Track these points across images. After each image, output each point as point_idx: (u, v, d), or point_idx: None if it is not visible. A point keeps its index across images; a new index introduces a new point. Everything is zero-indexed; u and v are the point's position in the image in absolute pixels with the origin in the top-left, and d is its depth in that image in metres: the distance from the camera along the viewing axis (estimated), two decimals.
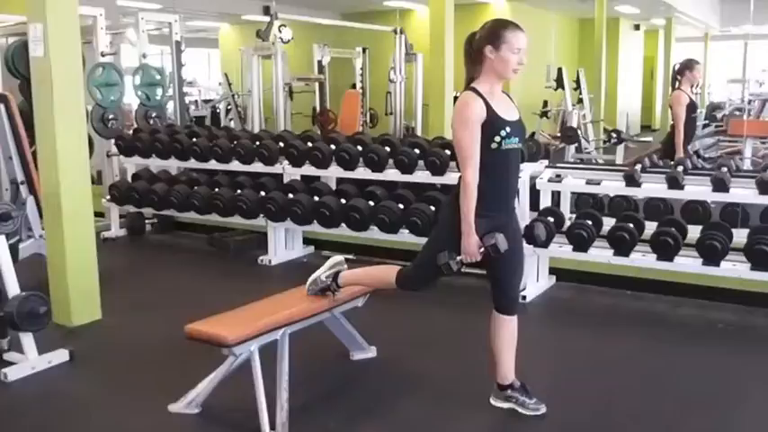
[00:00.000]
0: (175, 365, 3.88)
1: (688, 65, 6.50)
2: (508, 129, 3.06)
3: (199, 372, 3.44)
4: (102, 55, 7.12)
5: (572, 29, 17.19)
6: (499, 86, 3.14)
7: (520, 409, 3.31)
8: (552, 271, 5.31)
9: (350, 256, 6.02)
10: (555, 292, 5.22)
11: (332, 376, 3.82)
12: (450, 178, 5.09)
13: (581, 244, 4.83)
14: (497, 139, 3.03)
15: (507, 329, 3.28)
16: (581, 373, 3.85)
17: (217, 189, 6.30)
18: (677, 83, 6.47)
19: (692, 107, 6.42)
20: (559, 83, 12.34)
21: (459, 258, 3.08)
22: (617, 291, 5.17)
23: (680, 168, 5.02)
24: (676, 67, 6.60)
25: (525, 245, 4.92)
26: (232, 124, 12.59)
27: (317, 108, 12.05)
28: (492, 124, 3.02)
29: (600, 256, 4.84)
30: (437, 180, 5.38)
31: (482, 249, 3.05)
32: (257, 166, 6.25)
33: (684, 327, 4.58)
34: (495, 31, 3.05)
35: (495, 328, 3.29)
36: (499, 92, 3.14)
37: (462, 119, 3.02)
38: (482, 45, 3.06)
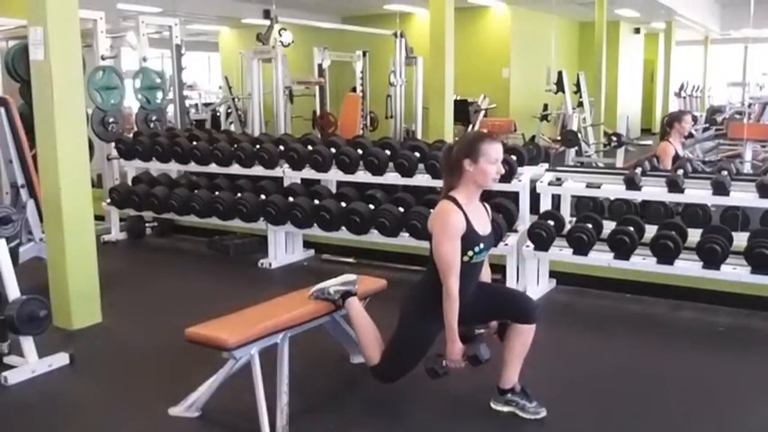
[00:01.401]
0: (176, 369, 3.87)
1: (677, 117, 6.60)
2: (482, 245, 3.22)
3: (199, 375, 3.44)
4: (103, 58, 7.13)
5: (572, 32, 17.20)
6: (477, 196, 3.26)
7: (520, 413, 3.31)
8: (552, 274, 5.31)
9: (350, 260, 6.05)
10: (555, 295, 5.22)
11: (332, 379, 3.82)
12: None
13: (581, 247, 4.84)
14: (470, 253, 3.18)
15: (521, 338, 3.27)
16: (581, 376, 3.85)
17: (217, 192, 6.30)
18: (666, 134, 6.51)
19: (677, 159, 6.48)
20: (560, 86, 12.34)
21: (444, 363, 3.22)
22: (617, 294, 5.16)
23: (680, 172, 5.02)
24: (666, 119, 6.66)
25: (525, 246, 4.96)
26: (232, 127, 12.58)
27: (318, 111, 12.06)
28: (468, 239, 3.16)
29: (600, 259, 4.84)
30: (437, 183, 5.38)
31: (465, 357, 3.19)
32: (257, 170, 6.25)
33: (685, 330, 4.58)
34: (473, 145, 3.16)
35: (510, 336, 3.29)
36: (477, 202, 3.27)
37: (445, 231, 3.13)
38: (460, 158, 3.17)
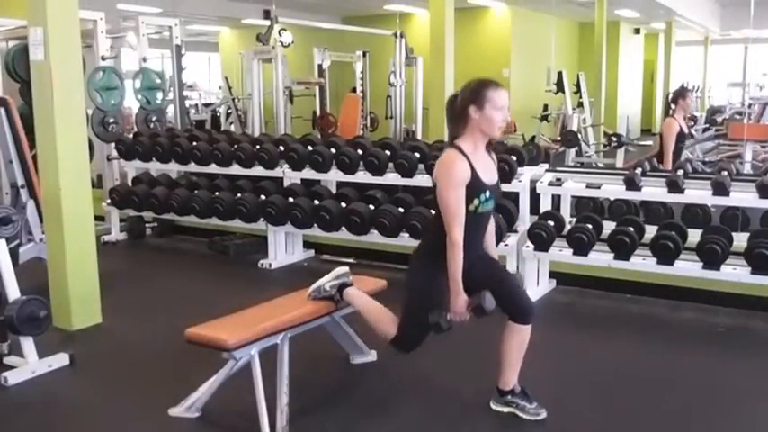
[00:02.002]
0: (176, 369, 3.87)
1: (682, 93, 6.61)
2: (487, 193, 3.15)
3: (199, 375, 3.44)
4: (103, 59, 7.13)
5: (572, 33, 17.20)
6: (483, 144, 3.19)
7: (520, 414, 3.31)
8: (552, 275, 5.31)
9: (350, 260, 6.04)
10: (555, 295, 5.22)
11: (332, 380, 3.82)
12: None
13: (581, 248, 4.84)
14: (476, 202, 3.12)
15: (518, 338, 3.26)
16: (581, 376, 3.84)
17: (217, 193, 6.30)
18: (671, 110, 6.52)
19: (681, 136, 6.48)
20: (560, 86, 12.35)
21: (449, 317, 3.14)
22: (617, 294, 5.16)
23: (680, 172, 5.02)
24: (671, 96, 6.66)
25: (525, 248, 4.96)
26: (232, 128, 12.59)
27: (318, 112, 12.06)
28: (473, 187, 3.09)
29: (600, 259, 4.84)
30: (433, 186, 5.37)
31: (470, 309, 3.12)
32: (257, 170, 6.25)
33: (684, 330, 4.58)
34: (478, 91, 3.10)
35: (506, 336, 3.28)
36: (482, 150, 3.20)
37: (449, 179, 3.08)
38: (466, 105, 3.11)
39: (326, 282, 3.56)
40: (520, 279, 3.39)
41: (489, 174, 3.19)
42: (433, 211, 4.41)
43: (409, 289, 3.33)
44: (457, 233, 3.06)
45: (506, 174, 4.98)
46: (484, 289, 3.15)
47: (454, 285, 3.09)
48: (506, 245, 5.00)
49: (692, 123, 9.73)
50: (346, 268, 3.63)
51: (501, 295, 3.22)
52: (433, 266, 3.16)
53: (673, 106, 6.55)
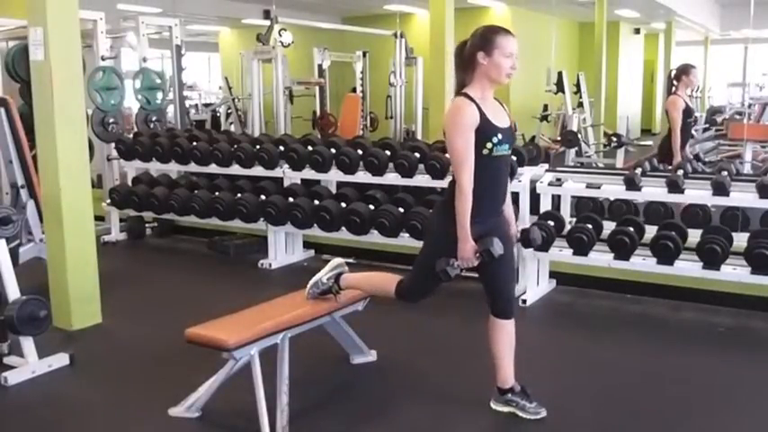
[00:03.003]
0: (176, 369, 3.87)
1: (684, 69, 6.51)
2: (500, 135, 3.08)
3: (199, 376, 3.44)
4: (103, 59, 7.13)
5: (572, 33, 17.20)
6: (491, 92, 3.15)
7: (520, 413, 3.31)
8: (552, 275, 5.31)
9: (350, 260, 6.03)
10: (555, 295, 5.22)
11: (332, 380, 3.82)
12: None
13: (581, 248, 4.84)
14: (489, 145, 3.05)
15: (505, 333, 3.28)
16: (581, 376, 3.85)
17: (217, 193, 6.30)
18: (674, 87, 6.47)
19: (687, 112, 6.43)
20: (559, 87, 12.35)
21: (456, 263, 3.08)
22: (617, 294, 5.16)
23: (680, 172, 5.02)
24: (673, 73, 6.62)
25: (525, 248, 4.96)
26: (232, 128, 12.59)
27: (318, 112, 12.06)
28: (484, 130, 3.04)
29: (600, 259, 4.84)
30: (437, 184, 5.39)
31: (477, 254, 3.06)
32: (257, 170, 6.25)
33: (684, 330, 4.58)
34: (487, 37, 3.06)
35: (493, 333, 3.30)
36: (491, 98, 3.15)
37: (456, 124, 3.04)
38: (474, 51, 3.07)
39: (323, 275, 3.56)
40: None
41: (500, 118, 3.13)
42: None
43: (426, 242, 3.33)
44: (465, 178, 3.01)
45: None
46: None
47: (461, 231, 3.03)
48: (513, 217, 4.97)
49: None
50: (340, 260, 3.63)
51: (491, 284, 3.25)
52: (447, 218, 3.10)
53: (675, 83, 6.45)
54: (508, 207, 3.35)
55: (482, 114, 3.04)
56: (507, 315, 3.27)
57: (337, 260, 3.61)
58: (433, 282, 3.24)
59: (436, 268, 3.10)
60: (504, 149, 3.12)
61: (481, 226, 3.08)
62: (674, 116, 6.27)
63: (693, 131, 9.56)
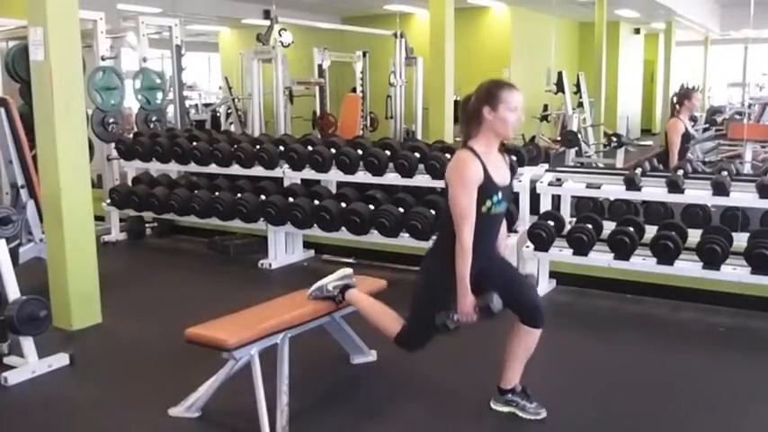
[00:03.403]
0: (176, 369, 3.87)
1: (686, 94, 6.62)
2: (500, 194, 3.13)
3: (199, 375, 3.44)
4: (103, 59, 7.13)
5: (572, 33, 17.20)
6: (496, 146, 3.18)
7: (520, 413, 3.31)
8: (552, 275, 5.31)
9: (350, 260, 6.04)
10: (555, 295, 5.22)
11: (332, 380, 3.82)
12: None
13: (581, 248, 4.84)
14: (488, 203, 3.10)
15: (527, 340, 3.26)
16: (581, 376, 3.85)
17: (217, 193, 6.30)
18: (676, 111, 6.54)
19: (686, 136, 6.50)
20: (560, 86, 12.35)
21: (455, 318, 3.12)
22: (617, 294, 5.16)
23: (680, 172, 5.02)
24: (675, 99, 6.69)
25: (525, 247, 4.96)
26: (232, 128, 12.59)
27: (318, 112, 12.06)
28: (486, 189, 3.08)
29: (600, 259, 4.84)
30: (437, 184, 5.38)
31: (477, 309, 3.10)
32: (257, 170, 6.25)
33: (684, 330, 4.58)
34: (492, 92, 3.09)
35: (513, 336, 3.28)
36: (495, 151, 3.19)
37: (461, 179, 3.06)
38: (479, 106, 3.10)
39: (329, 282, 3.55)
40: (533, 281, 3.35)
41: (502, 175, 3.17)
42: (433, 211, 4.43)
43: (419, 289, 3.32)
44: (466, 235, 3.04)
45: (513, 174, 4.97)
46: (497, 290, 3.13)
47: (461, 286, 3.07)
48: (506, 245, 4.99)
49: (693, 123, 9.71)
50: (350, 270, 3.63)
51: (513, 297, 3.23)
52: (443, 267, 3.14)
53: (678, 107, 6.55)
54: (501, 234, 3.39)
55: (485, 171, 3.07)
56: (533, 323, 3.24)
57: (345, 270, 3.61)
58: (432, 332, 3.27)
59: (436, 322, 3.14)
60: (502, 207, 3.18)
61: (473, 275, 3.10)
62: (674, 140, 6.34)
63: (693, 131, 9.59)
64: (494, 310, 3.09)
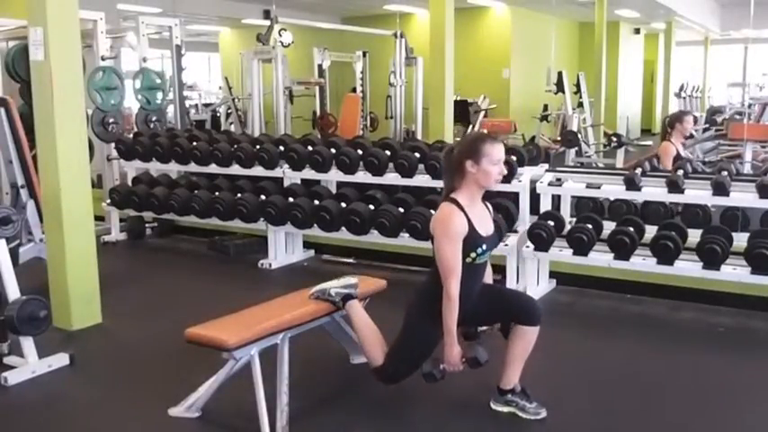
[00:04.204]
0: (176, 369, 3.87)
1: (678, 117, 6.62)
2: (484, 246, 3.21)
3: (199, 376, 3.44)
4: (103, 59, 7.13)
5: (572, 33, 17.20)
6: (479, 197, 3.24)
7: (520, 414, 3.31)
8: (552, 275, 5.31)
9: (350, 260, 6.05)
10: (555, 295, 5.22)
11: (332, 380, 3.82)
12: None
13: (581, 248, 4.84)
14: (473, 255, 3.17)
15: (526, 339, 3.27)
16: (581, 376, 3.85)
17: (217, 193, 6.30)
18: (667, 134, 6.53)
19: (678, 159, 6.49)
20: (559, 86, 12.35)
21: (442, 367, 3.20)
22: (617, 294, 5.16)
23: (680, 172, 5.02)
24: (667, 120, 6.68)
25: (525, 247, 4.96)
26: (232, 128, 12.59)
27: (318, 112, 12.07)
28: (470, 241, 3.14)
29: (600, 259, 4.84)
30: (437, 184, 5.38)
31: (463, 359, 3.18)
32: (257, 170, 6.25)
33: (684, 330, 4.58)
34: (475, 146, 3.15)
35: (512, 335, 3.30)
36: (479, 202, 3.26)
37: (446, 233, 3.12)
38: (462, 159, 3.15)
39: (333, 287, 3.56)
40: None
41: (486, 226, 3.25)
42: (433, 211, 4.44)
43: (405, 331, 3.36)
44: (453, 287, 3.10)
45: (506, 174, 4.96)
46: (487, 318, 3.25)
47: (448, 337, 3.14)
48: (506, 245, 5.00)
49: (692, 132, 9.66)
50: (356, 280, 3.64)
51: (503, 308, 3.31)
52: (429, 315, 3.20)
53: (669, 129, 6.55)
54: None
55: (470, 224, 3.14)
56: (530, 321, 3.26)
57: (351, 279, 3.63)
58: (412, 371, 3.35)
59: (423, 370, 3.24)
60: (486, 257, 3.26)
61: (460, 315, 3.15)
62: (666, 163, 6.34)
63: (693, 131, 9.58)
64: (480, 361, 3.17)
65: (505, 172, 3.25)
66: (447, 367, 3.19)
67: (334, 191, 6.09)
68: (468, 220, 3.14)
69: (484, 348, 3.18)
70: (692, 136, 9.54)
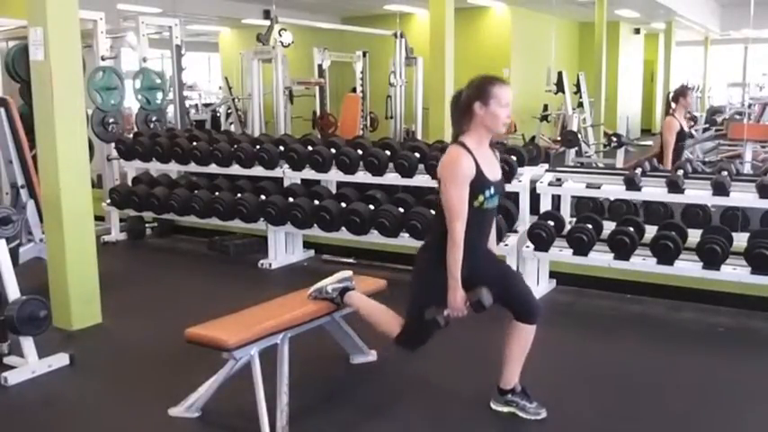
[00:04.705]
0: (176, 369, 3.87)
1: (682, 92, 6.62)
2: (492, 189, 3.15)
3: (199, 375, 3.44)
4: (103, 59, 7.13)
5: (572, 33, 17.20)
6: (487, 141, 3.20)
7: (520, 414, 3.31)
8: (552, 275, 5.31)
9: (350, 260, 6.04)
10: (555, 295, 5.22)
11: (332, 380, 3.82)
12: None
13: (581, 248, 4.84)
14: (481, 198, 3.12)
15: (523, 337, 3.27)
16: (581, 376, 3.85)
17: (217, 193, 6.30)
18: (671, 109, 6.53)
19: (681, 135, 6.50)
20: (560, 86, 12.35)
21: (446, 313, 3.14)
22: (617, 294, 5.16)
23: (680, 172, 5.02)
24: (671, 94, 6.68)
25: (525, 247, 4.96)
26: (232, 128, 12.59)
27: (318, 112, 12.07)
28: (478, 183, 3.10)
29: (600, 259, 4.84)
30: (437, 184, 5.37)
31: (468, 303, 3.11)
32: (257, 170, 6.25)
33: (684, 330, 4.58)
34: (483, 88, 3.11)
35: (509, 334, 3.29)
36: (486, 147, 3.21)
37: (453, 175, 3.08)
38: (471, 101, 3.12)
39: (329, 284, 3.55)
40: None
41: (493, 170, 3.19)
42: (433, 211, 4.43)
43: (412, 287, 3.33)
44: (458, 231, 3.06)
45: (506, 174, 4.97)
46: (489, 285, 3.14)
47: (452, 282, 3.09)
48: (506, 245, 5.00)
49: (693, 123, 9.73)
50: (349, 273, 3.63)
51: (506, 291, 3.24)
52: (435, 264, 3.15)
53: (673, 105, 6.56)
54: (492, 235, 3.40)
55: (477, 166, 3.09)
56: (528, 320, 3.26)
57: (344, 273, 3.61)
58: (427, 330, 3.28)
59: (426, 317, 3.16)
60: (494, 202, 3.20)
61: (466, 270, 3.11)
62: (668, 139, 6.34)
63: (693, 131, 9.58)
64: (485, 305, 3.09)
65: (511, 117, 3.18)
66: (451, 313, 3.12)
67: (334, 191, 6.09)
68: (476, 163, 3.09)
69: (488, 292, 3.10)
70: (691, 135, 9.54)
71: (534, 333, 3.28)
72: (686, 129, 6.52)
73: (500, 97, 3.09)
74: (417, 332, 3.32)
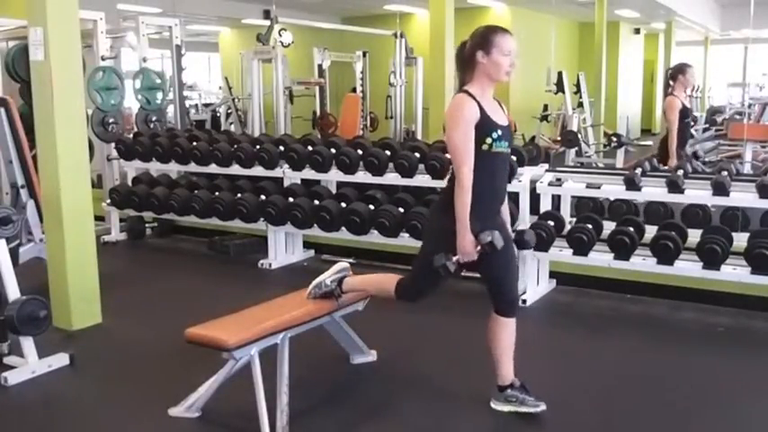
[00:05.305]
0: (176, 369, 3.87)
1: (681, 69, 6.50)
2: (499, 131, 3.14)
3: (199, 376, 3.44)
4: (103, 59, 7.13)
5: (572, 33, 17.20)
6: (490, 90, 3.21)
7: (521, 408, 3.31)
8: (552, 275, 5.31)
9: (350, 260, 6.04)
10: (555, 295, 5.22)
11: (332, 380, 3.82)
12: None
13: (581, 248, 4.84)
14: (489, 140, 3.11)
15: (506, 332, 3.30)
16: (581, 376, 3.85)
17: (217, 193, 6.30)
18: (670, 88, 6.46)
19: (684, 112, 6.41)
20: (559, 87, 12.35)
21: (455, 258, 3.10)
22: (617, 294, 5.16)
23: (680, 172, 5.02)
24: (669, 72, 6.61)
25: (519, 249, 4.95)
26: (232, 128, 12.59)
27: (318, 112, 12.06)
28: (483, 126, 3.10)
29: (600, 259, 4.84)
30: (437, 184, 5.38)
31: (478, 248, 3.08)
32: (257, 170, 6.25)
33: (684, 330, 4.58)
34: (486, 37, 3.14)
35: (494, 331, 3.31)
36: (490, 96, 3.21)
37: (456, 119, 3.09)
38: (473, 50, 3.14)
39: (327, 277, 3.56)
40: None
41: (499, 115, 3.19)
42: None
43: (422, 237, 3.35)
44: (465, 173, 3.05)
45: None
46: (482, 265, 3.16)
47: (460, 226, 3.06)
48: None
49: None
50: (346, 264, 3.64)
51: (501, 278, 3.27)
52: (445, 215, 3.14)
53: (672, 83, 6.42)
54: (505, 208, 3.38)
55: (482, 110, 3.10)
56: (510, 313, 3.29)
57: (342, 264, 3.62)
58: (433, 279, 3.26)
59: (434, 263, 3.11)
60: (504, 146, 3.17)
61: (479, 223, 3.10)
62: (671, 118, 6.27)
63: (693, 131, 9.57)
64: (497, 246, 3.06)
65: (516, 65, 3.18)
66: (461, 258, 3.09)
67: (334, 191, 6.09)
68: (480, 107, 3.10)
69: (499, 234, 3.08)
70: (691, 136, 9.53)
71: (515, 326, 3.30)
72: (689, 105, 6.41)
73: (502, 46, 3.11)
74: (422, 282, 3.32)
